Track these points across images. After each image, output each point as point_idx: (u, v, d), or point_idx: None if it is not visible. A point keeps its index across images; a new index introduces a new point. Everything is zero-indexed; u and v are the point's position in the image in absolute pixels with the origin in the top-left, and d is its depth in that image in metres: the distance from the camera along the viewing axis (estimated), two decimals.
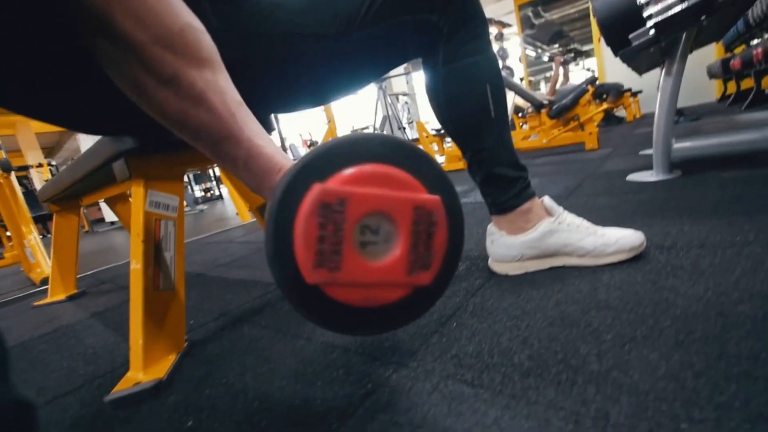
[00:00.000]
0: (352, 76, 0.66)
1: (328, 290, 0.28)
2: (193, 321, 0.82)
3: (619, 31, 1.13)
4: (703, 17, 1.10)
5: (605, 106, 2.77)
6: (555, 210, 0.69)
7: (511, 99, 2.89)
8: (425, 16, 0.61)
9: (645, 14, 1.17)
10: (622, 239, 0.66)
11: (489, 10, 8.87)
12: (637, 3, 1.15)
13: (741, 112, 3.53)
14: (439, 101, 0.68)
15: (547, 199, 0.70)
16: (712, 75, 4.52)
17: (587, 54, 11.52)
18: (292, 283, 0.28)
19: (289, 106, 0.71)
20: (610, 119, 5.16)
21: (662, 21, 1.09)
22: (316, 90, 0.67)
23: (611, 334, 0.47)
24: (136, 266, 0.62)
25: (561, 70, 4.59)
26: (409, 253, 0.30)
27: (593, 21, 6.16)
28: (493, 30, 7.53)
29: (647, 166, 1.43)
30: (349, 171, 0.28)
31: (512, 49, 7.69)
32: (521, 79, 7.41)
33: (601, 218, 0.95)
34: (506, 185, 0.68)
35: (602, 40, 1.23)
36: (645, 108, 6.19)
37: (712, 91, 5.61)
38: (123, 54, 0.34)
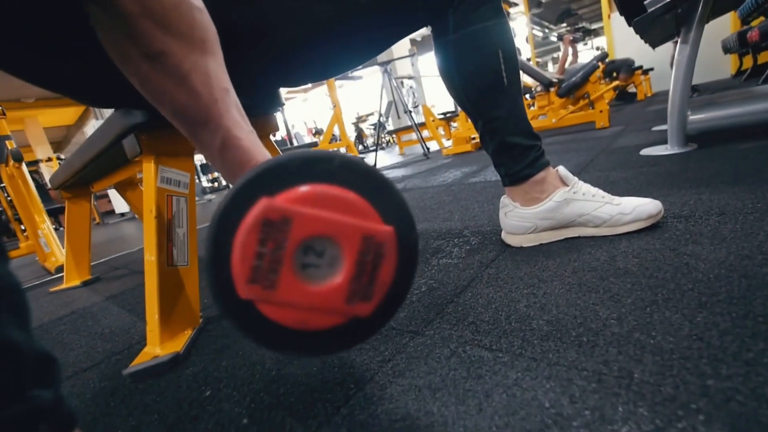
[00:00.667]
0: (362, 43, 0.65)
1: (261, 307, 0.27)
2: (207, 300, 0.83)
3: None
4: None
5: (616, 84, 2.70)
6: (570, 179, 0.67)
7: None
8: None
9: None
10: (639, 207, 0.64)
11: None
12: None
13: (757, 86, 3.43)
14: (450, 70, 0.66)
15: (561, 169, 0.68)
16: (727, 50, 4.38)
17: (596, 33, 11.23)
18: (225, 294, 0.27)
19: (299, 77, 0.70)
20: (624, 95, 5.04)
21: None
22: (326, 59, 0.65)
23: (631, 298, 0.46)
24: (150, 242, 0.62)
25: (570, 49, 4.48)
26: (351, 282, 0.28)
27: None
28: None
29: (661, 141, 1.40)
30: (301, 189, 0.27)
31: (519, 29, 7.53)
32: (528, 60, 7.26)
33: (615, 191, 0.94)
34: (519, 154, 0.67)
35: (612, 16, 1.18)
36: (656, 86, 6.05)
37: (727, 67, 5.45)
38: (112, 22, 0.34)
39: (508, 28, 0.65)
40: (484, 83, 0.64)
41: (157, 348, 0.60)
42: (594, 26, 11.39)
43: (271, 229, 0.26)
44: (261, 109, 0.77)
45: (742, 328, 0.36)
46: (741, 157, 1.00)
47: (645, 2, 1.07)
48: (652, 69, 5.45)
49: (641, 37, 1.45)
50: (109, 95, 0.55)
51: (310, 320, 0.29)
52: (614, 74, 4.95)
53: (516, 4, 8.48)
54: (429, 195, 1.56)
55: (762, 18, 3.91)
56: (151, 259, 0.61)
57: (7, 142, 1.89)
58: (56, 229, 2.28)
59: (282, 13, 0.56)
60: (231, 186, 0.29)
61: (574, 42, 4.61)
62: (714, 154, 1.09)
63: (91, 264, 1.49)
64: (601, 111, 2.44)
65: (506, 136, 0.66)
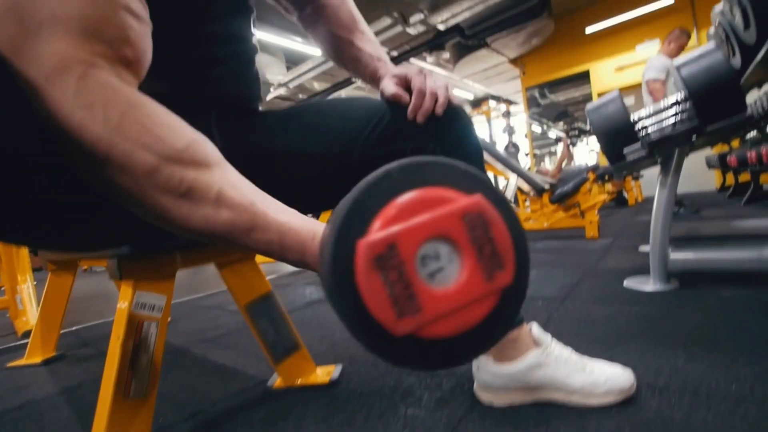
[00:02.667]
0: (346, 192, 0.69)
1: (422, 333, 0.27)
2: (162, 420, 0.78)
3: (615, 144, 1.19)
4: (693, 137, 1.16)
5: (605, 196, 2.83)
6: (542, 340, 0.67)
7: (514, 181, 2.98)
8: (422, 143, 0.65)
9: (638, 130, 1.24)
10: (611, 380, 0.63)
11: (498, 89, 9.44)
12: (631, 120, 1.22)
13: (741, 206, 3.59)
14: None
15: (535, 328, 0.69)
16: (710, 165, 4.67)
17: (591, 132, 12.03)
18: (386, 344, 0.27)
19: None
20: (617, 199, 5.25)
21: (654, 140, 1.14)
22: (312, 207, 0.69)
23: None
24: (110, 372, 0.60)
25: (567, 150, 4.79)
26: (479, 261, 0.28)
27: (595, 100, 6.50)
28: (501, 107, 7.95)
29: (645, 267, 1.42)
30: (383, 213, 0.27)
31: (519, 126, 8.05)
32: (526, 154, 7.68)
33: (595, 333, 0.93)
34: None
35: None
36: (647, 190, 6.32)
37: (712, 178, 5.73)
38: (134, 181, 0.34)
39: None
40: None
41: None
42: (588, 127, 12.22)
43: (384, 260, 0.26)
44: None
45: None
46: (720, 309, 1.01)
47: (624, 151, 1.17)
48: (641, 176, 5.74)
49: (625, 171, 1.55)
50: (95, 242, 0.57)
51: (470, 316, 0.28)
52: (606, 177, 5.21)
53: (516, 103, 9.20)
54: None
55: (739, 140, 4.21)
56: (107, 390, 0.59)
57: None
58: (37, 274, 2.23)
59: (273, 171, 0.60)
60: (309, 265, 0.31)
61: (572, 145, 4.94)
62: (694, 299, 1.10)
63: (62, 331, 1.43)
64: (591, 222, 2.52)
65: None
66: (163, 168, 0.34)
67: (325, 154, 0.63)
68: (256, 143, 0.64)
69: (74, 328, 1.87)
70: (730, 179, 4.97)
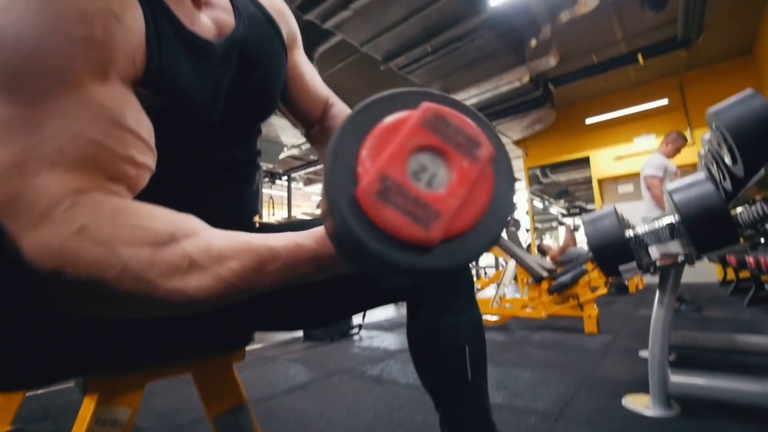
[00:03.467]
0: (334, 310, 0.68)
1: (451, 234, 0.28)
2: None
3: (610, 259, 1.19)
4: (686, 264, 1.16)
5: (605, 290, 2.80)
6: None
7: (513, 266, 2.96)
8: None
9: (633, 245, 1.24)
10: None
11: None
12: (626, 236, 1.23)
13: (744, 308, 3.51)
14: (415, 354, 0.67)
15: None
16: (711, 259, 4.66)
17: (591, 211, 12.24)
18: (430, 261, 0.28)
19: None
20: (619, 286, 5.19)
21: (651, 262, 1.15)
22: (298, 322, 0.68)
23: None
24: None
25: (570, 235, 4.86)
26: (458, 151, 0.30)
27: (595, 186, 6.70)
28: None
29: (645, 379, 1.32)
30: (360, 162, 0.29)
31: (520, 203, 8.22)
32: (527, 230, 7.75)
33: None
34: None
35: (603, 207, 1.30)
36: (648, 277, 6.26)
37: (713, 269, 5.68)
38: (139, 280, 0.34)
39: (479, 320, 0.68)
40: (446, 378, 0.64)
41: None
42: (589, 207, 12.47)
43: (385, 194, 0.27)
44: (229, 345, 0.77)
45: None
46: None
47: (620, 268, 1.16)
48: None
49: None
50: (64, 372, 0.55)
51: (480, 198, 0.30)
52: None
53: (518, 180, 9.48)
54: (406, 396, 1.46)
55: (741, 239, 4.24)
56: None
57: None
58: None
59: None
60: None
61: (574, 230, 5.01)
62: (697, 430, 1.03)
63: (24, 397, 1.33)
64: (589, 316, 2.46)
65: None
66: (162, 253, 0.35)
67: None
68: None
69: (42, 390, 1.76)
70: (732, 273, 4.93)
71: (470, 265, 0.70)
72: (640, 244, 1.23)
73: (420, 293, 0.66)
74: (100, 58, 0.38)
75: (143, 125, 0.43)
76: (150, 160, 0.43)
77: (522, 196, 8.53)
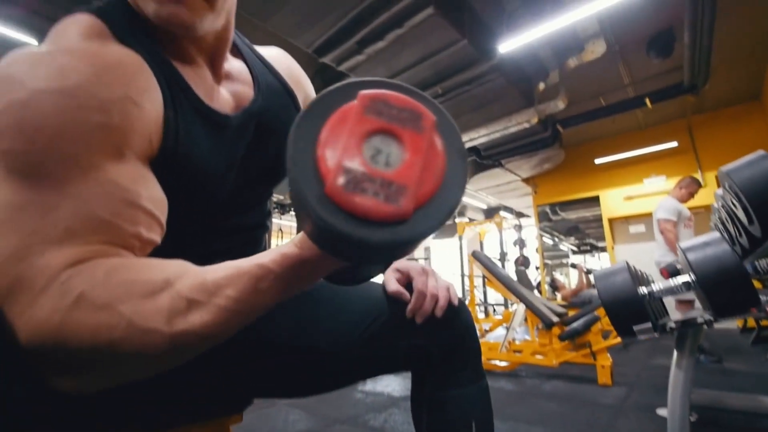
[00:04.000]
0: (335, 381, 0.65)
1: (421, 202, 0.30)
2: None
3: (623, 320, 1.15)
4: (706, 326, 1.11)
5: (619, 340, 2.70)
6: None
7: (522, 309, 2.89)
8: (419, 341, 0.63)
9: (646, 304, 1.20)
10: None
11: (510, 203, 9.79)
12: (639, 294, 1.20)
13: (766, 359, 3.35)
14: (419, 425, 0.64)
15: None
16: None
17: (602, 249, 12.03)
18: (408, 230, 0.29)
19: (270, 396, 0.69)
20: None
21: (667, 327, 1.10)
22: (297, 392, 0.65)
23: None
24: None
25: (584, 277, 4.78)
26: (403, 127, 0.31)
27: (606, 226, 6.62)
28: (513, 220, 8.15)
29: None
30: (319, 159, 0.30)
31: (530, 240, 8.14)
32: (537, 268, 7.62)
33: None
34: None
35: (615, 248, 1.26)
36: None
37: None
38: (144, 332, 0.34)
39: (486, 392, 0.65)
40: None
41: None
42: (599, 244, 12.28)
43: (350, 182, 0.29)
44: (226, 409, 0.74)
45: None
46: None
47: (635, 329, 1.12)
48: None
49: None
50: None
51: (436, 163, 0.31)
52: None
53: (528, 216, 9.44)
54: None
55: (761, 286, 4.11)
56: None
57: None
58: None
59: (258, 361, 0.58)
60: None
61: (588, 273, 4.92)
62: None
63: None
64: (603, 366, 2.36)
65: None
66: (161, 300, 0.35)
67: (312, 347, 0.60)
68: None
69: None
70: (752, 320, 4.74)
71: (475, 329, 0.68)
72: (655, 302, 1.19)
73: (426, 362, 0.64)
74: (117, 141, 0.40)
75: (157, 200, 0.43)
76: (157, 235, 0.44)
77: (531, 233, 8.46)
